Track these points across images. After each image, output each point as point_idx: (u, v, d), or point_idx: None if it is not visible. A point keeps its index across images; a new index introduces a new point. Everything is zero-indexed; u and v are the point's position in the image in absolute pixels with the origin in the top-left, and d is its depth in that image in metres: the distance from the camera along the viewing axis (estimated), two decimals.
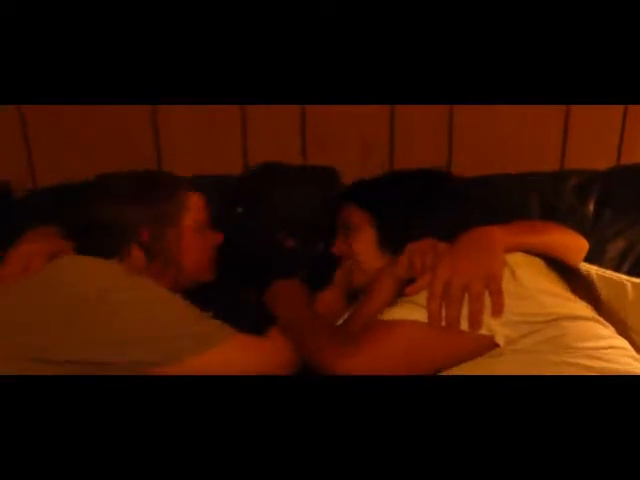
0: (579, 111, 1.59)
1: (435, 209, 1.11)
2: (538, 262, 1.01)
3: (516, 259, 0.98)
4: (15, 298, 1.00)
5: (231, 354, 1.00)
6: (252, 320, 1.11)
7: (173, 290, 1.06)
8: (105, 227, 1.10)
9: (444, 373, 0.94)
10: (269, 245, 1.29)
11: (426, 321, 0.92)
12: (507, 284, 0.93)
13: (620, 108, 1.59)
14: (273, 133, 1.59)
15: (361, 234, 1.15)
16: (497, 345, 0.91)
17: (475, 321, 0.90)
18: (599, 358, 0.93)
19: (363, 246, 1.15)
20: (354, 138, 1.61)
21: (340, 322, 1.12)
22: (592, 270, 1.33)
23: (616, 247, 1.46)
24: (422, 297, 0.94)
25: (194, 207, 1.16)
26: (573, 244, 1.16)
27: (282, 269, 1.24)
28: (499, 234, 1.00)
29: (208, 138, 1.58)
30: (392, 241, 1.10)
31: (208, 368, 0.96)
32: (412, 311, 0.94)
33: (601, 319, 1.00)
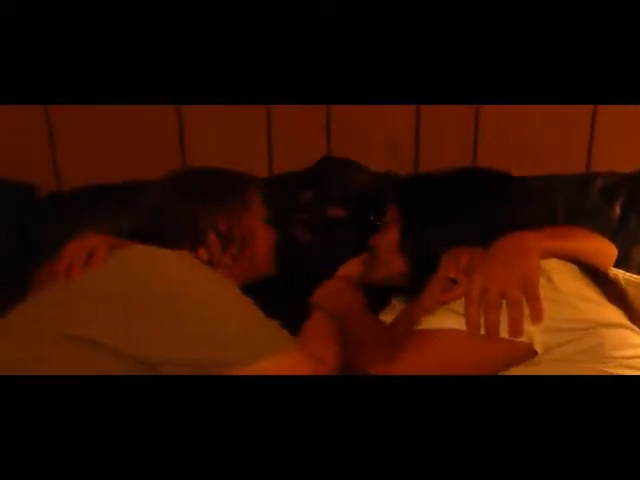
0: (606, 113, 1.59)
1: (467, 216, 1.09)
2: (572, 268, 1.00)
3: (552, 265, 0.98)
4: (79, 288, 0.95)
5: (285, 365, 0.95)
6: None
7: (239, 283, 1.06)
8: (181, 220, 1.10)
9: None
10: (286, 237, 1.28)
11: (464, 329, 0.91)
12: (544, 290, 0.92)
13: None
14: (298, 133, 1.59)
15: (387, 232, 1.16)
16: (535, 353, 0.91)
17: (516, 328, 0.89)
18: (634, 367, 0.93)
19: (385, 245, 1.16)
20: (380, 137, 1.61)
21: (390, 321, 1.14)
22: (619, 274, 1.33)
23: None
24: (460, 304, 0.94)
25: (260, 201, 1.19)
26: (603, 250, 1.16)
27: (296, 262, 1.26)
28: (533, 240, 0.99)
29: (233, 138, 1.58)
30: (412, 245, 1.11)
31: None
32: (449, 319, 0.93)
33: (634, 326, 0.99)
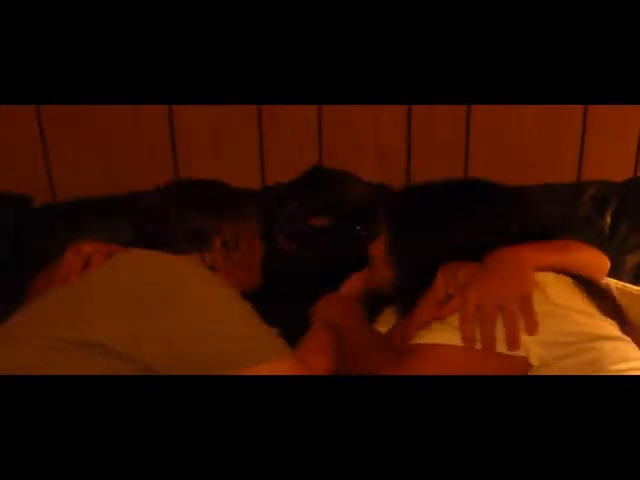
0: (596, 122, 1.59)
1: (456, 226, 1.06)
2: (568, 280, 1.00)
3: (547, 279, 0.97)
4: (78, 293, 0.96)
5: (277, 372, 0.94)
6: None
7: None
8: (186, 226, 1.10)
9: None
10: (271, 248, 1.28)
11: (460, 343, 0.91)
12: (539, 304, 0.92)
13: (637, 120, 1.58)
14: (289, 137, 1.58)
15: (377, 241, 1.15)
16: (530, 367, 0.91)
17: (513, 341, 0.89)
18: None
19: (376, 253, 1.14)
20: (371, 145, 1.60)
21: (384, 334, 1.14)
22: (611, 283, 1.33)
23: (634, 259, 1.46)
24: (456, 319, 0.93)
25: (256, 218, 1.20)
26: (596, 261, 1.15)
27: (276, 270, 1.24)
28: (527, 254, 0.98)
29: (224, 139, 1.57)
30: (397, 253, 1.09)
31: None
32: (446, 333, 0.93)
33: (627, 337, 0.99)
